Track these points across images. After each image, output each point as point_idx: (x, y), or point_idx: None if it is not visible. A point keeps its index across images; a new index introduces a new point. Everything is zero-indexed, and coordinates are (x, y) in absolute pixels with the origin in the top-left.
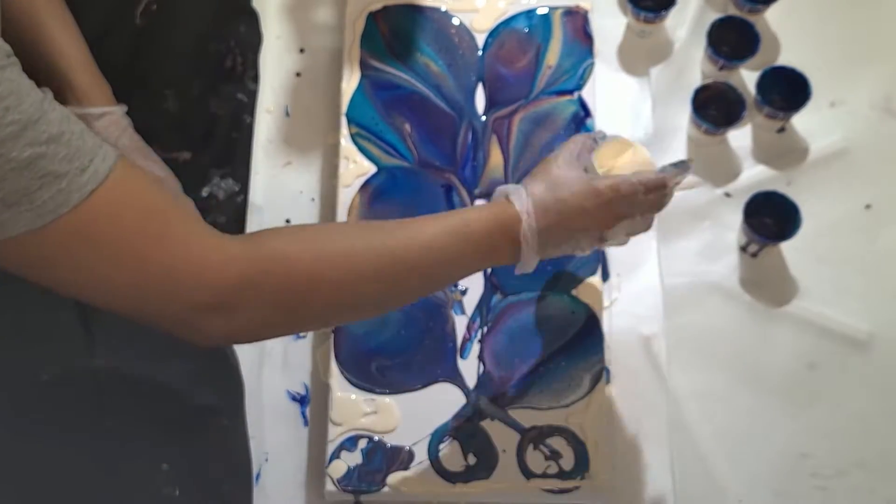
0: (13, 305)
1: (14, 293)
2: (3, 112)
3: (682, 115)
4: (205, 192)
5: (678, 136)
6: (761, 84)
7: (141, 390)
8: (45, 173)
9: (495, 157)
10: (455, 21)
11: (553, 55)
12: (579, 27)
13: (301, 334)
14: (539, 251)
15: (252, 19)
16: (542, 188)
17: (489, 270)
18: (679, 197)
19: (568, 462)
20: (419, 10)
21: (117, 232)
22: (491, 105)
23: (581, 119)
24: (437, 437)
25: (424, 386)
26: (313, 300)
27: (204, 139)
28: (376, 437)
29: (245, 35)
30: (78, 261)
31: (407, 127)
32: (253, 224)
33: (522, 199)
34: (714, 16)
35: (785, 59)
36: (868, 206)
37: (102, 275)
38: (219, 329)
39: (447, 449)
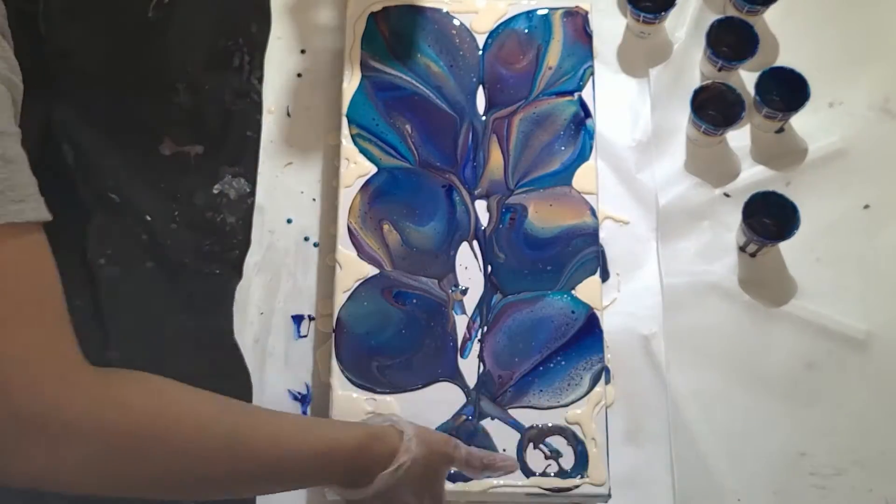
0: None
1: None
2: None
3: (682, 115)
4: (216, 190)
5: (677, 136)
6: (760, 85)
7: None
8: None
9: (495, 158)
10: (455, 22)
11: (553, 56)
12: (579, 28)
13: (301, 333)
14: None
15: (264, 19)
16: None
17: (489, 269)
18: (679, 197)
19: (568, 461)
20: (420, 10)
21: None
22: (491, 105)
23: (581, 120)
24: None
25: (425, 385)
26: (149, 456)
27: (218, 135)
28: None
29: (255, 34)
30: None
31: (407, 128)
32: (256, 224)
33: (408, 433)
34: (713, 17)
35: (784, 59)
36: (867, 207)
37: None
38: (37, 458)
39: None
